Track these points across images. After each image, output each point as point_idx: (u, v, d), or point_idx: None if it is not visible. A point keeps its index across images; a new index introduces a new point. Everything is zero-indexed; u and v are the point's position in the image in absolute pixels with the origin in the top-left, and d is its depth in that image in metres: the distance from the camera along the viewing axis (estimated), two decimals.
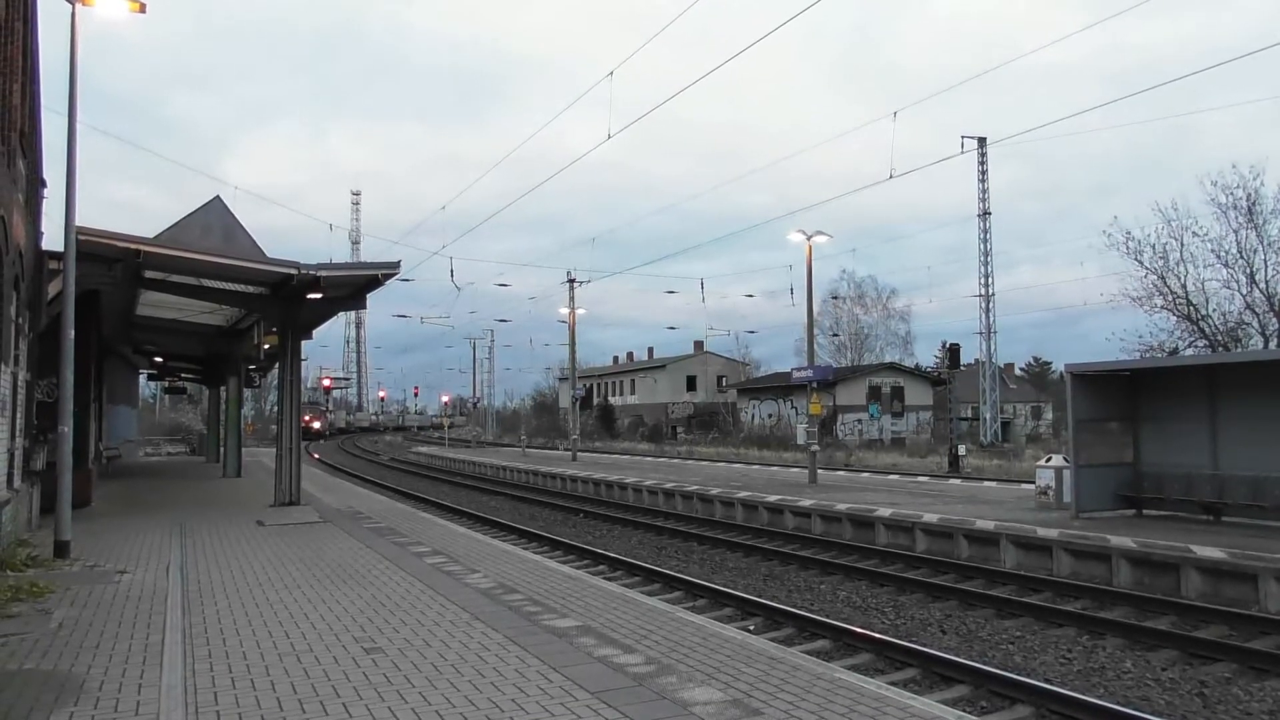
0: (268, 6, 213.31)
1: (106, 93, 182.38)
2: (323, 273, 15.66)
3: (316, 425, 77.16)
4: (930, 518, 16.04)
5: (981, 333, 50.85)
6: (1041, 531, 13.94)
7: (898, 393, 64.19)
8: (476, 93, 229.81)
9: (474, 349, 74.76)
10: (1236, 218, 34.52)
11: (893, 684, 7.02)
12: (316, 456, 48.90)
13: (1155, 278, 36.04)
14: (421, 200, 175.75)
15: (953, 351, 39.97)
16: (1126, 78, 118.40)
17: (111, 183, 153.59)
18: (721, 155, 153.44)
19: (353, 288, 17.66)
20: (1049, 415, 71.59)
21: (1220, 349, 33.85)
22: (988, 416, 51.17)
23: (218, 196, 23.64)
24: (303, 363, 20.60)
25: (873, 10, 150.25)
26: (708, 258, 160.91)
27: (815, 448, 25.71)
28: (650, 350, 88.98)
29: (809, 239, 26.01)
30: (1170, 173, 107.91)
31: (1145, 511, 16.07)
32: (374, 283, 17.20)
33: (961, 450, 34.93)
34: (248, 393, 45.95)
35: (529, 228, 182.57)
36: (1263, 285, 34.72)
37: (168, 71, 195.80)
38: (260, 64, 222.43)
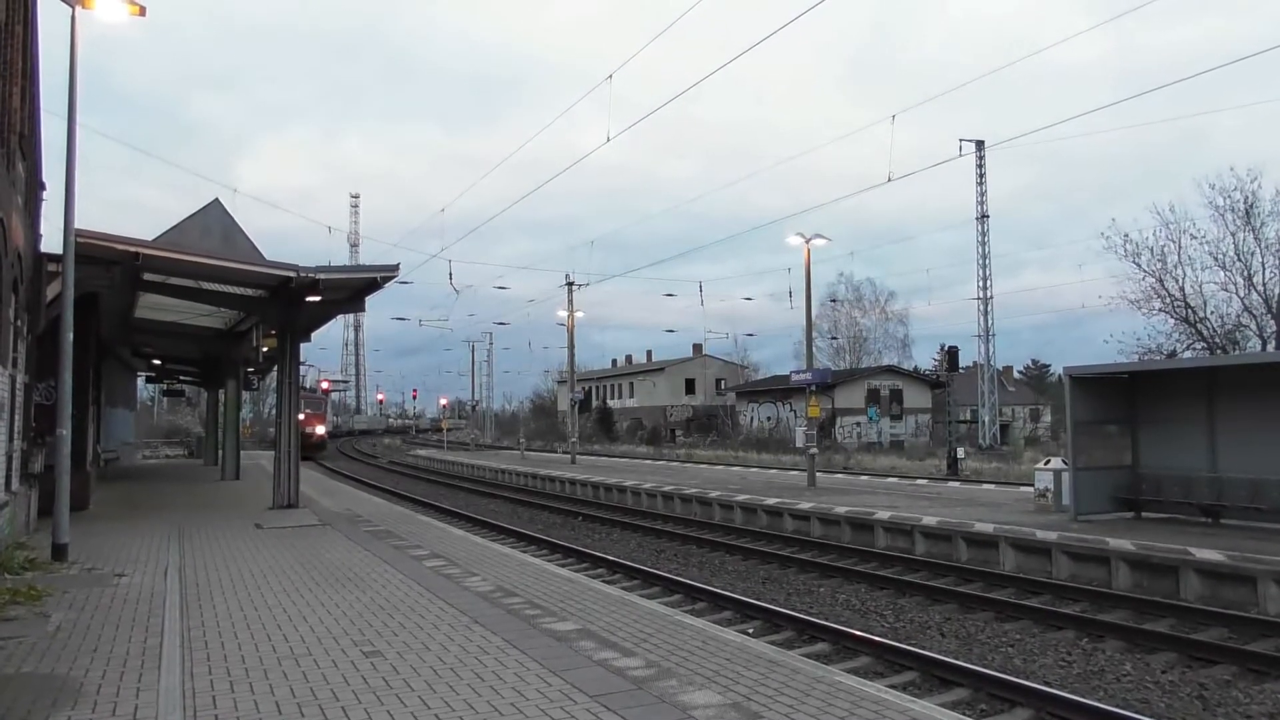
0: (287, 11, 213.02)
1: (124, 95, 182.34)
2: (321, 275, 15.66)
3: (320, 430, 56.75)
4: (929, 520, 16.03)
5: (980, 335, 50.97)
6: (1040, 534, 13.94)
7: (896, 395, 64.26)
8: (492, 96, 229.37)
9: (473, 351, 74.59)
10: (1234, 220, 34.67)
11: (892, 687, 7.01)
12: (326, 464, 48.37)
13: (1153, 280, 36.16)
14: (430, 203, 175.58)
15: (951, 354, 40.00)
16: (1143, 79, 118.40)
17: (125, 185, 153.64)
18: (736, 156, 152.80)
19: (351, 290, 17.66)
20: (1048, 418, 71.60)
21: (1218, 351, 33.91)
22: (986, 419, 51.21)
23: (216, 199, 23.62)
24: (300, 366, 20.59)
25: (889, 10, 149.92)
26: (715, 260, 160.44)
27: (814, 451, 25.70)
28: (649, 353, 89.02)
29: (808, 242, 26.00)
30: (1179, 176, 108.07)
31: (1144, 514, 16.07)
32: (372, 285, 17.20)
33: (960, 453, 34.94)
34: (245, 395, 45.87)
35: (538, 230, 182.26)
36: (1260, 288, 34.84)
37: (188, 74, 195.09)
38: (279, 67, 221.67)
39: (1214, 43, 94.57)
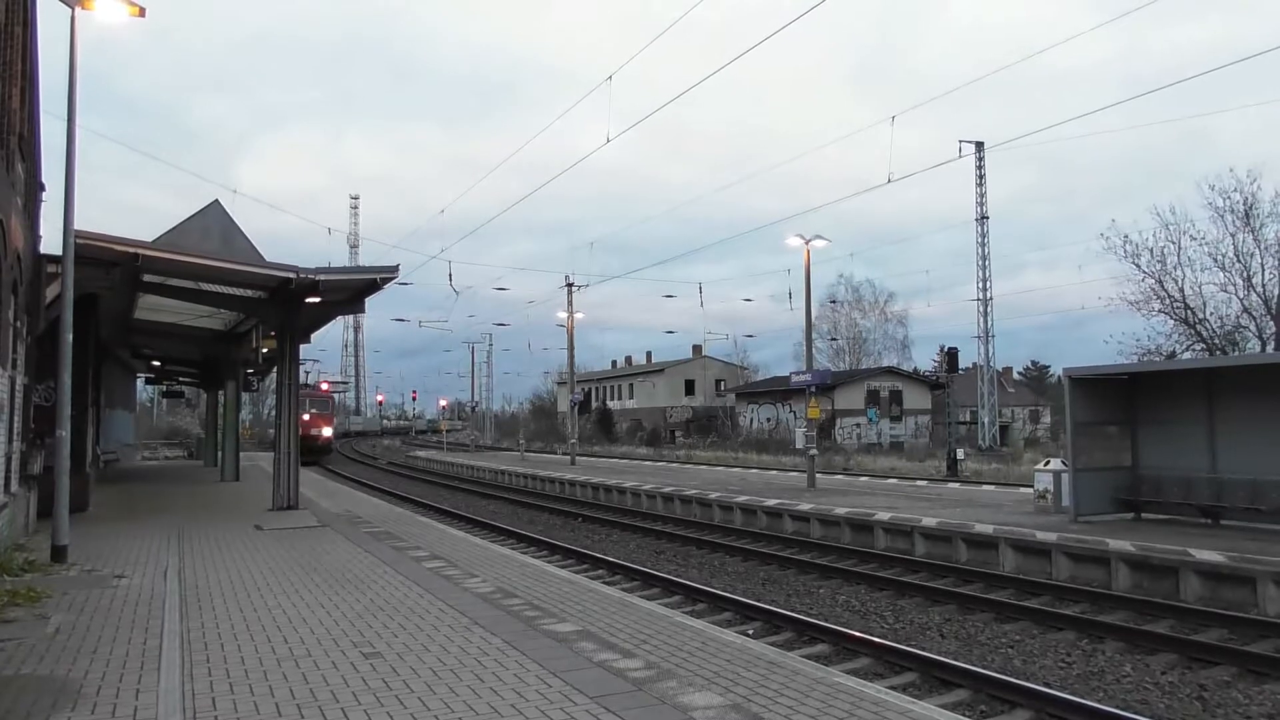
0: (289, 14, 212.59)
1: (125, 97, 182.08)
2: (321, 277, 15.66)
3: (326, 432, 51.78)
4: (929, 521, 16.03)
5: (979, 337, 50.96)
6: (1040, 535, 13.94)
7: (896, 397, 64.26)
8: (492, 98, 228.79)
9: (473, 353, 74.58)
10: (1233, 221, 34.73)
11: (892, 688, 7.01)
12: (326, 466, 48.06)
13: (1153, 281, 36.20)
14: (430, 204, 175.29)
15: (950, 355, 40.02)
16: (1145, 81, 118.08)
17: (125, 186, 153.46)
18: (737, 159, 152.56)
19: (351, 291, 17.66)
20: (1047, 419, 71.66)
21: (1218, 352, 33.95)
22: (986, 420, 51.19)
23: (216, 200, 23.53)
24: (300, 367, 20.59)
25: (892, 14, 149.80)
26: (715, 261, 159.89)
27: (813, 452, 25.70)
28: (649, 354, 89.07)
29: (807, 243, 26.01)
30: (1180, 178, 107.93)
31: (1144, 515, 16.07)
32: (372, 287, 17.21)
33: (960, 454, 34.95)
34: (245, 397, 45.83)
35: (538, 232, 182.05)
36: (1259, 289, 34.90)
37: (190, 77, 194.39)
38: (281, 69, 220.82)
39: (1218, 41, 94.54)
